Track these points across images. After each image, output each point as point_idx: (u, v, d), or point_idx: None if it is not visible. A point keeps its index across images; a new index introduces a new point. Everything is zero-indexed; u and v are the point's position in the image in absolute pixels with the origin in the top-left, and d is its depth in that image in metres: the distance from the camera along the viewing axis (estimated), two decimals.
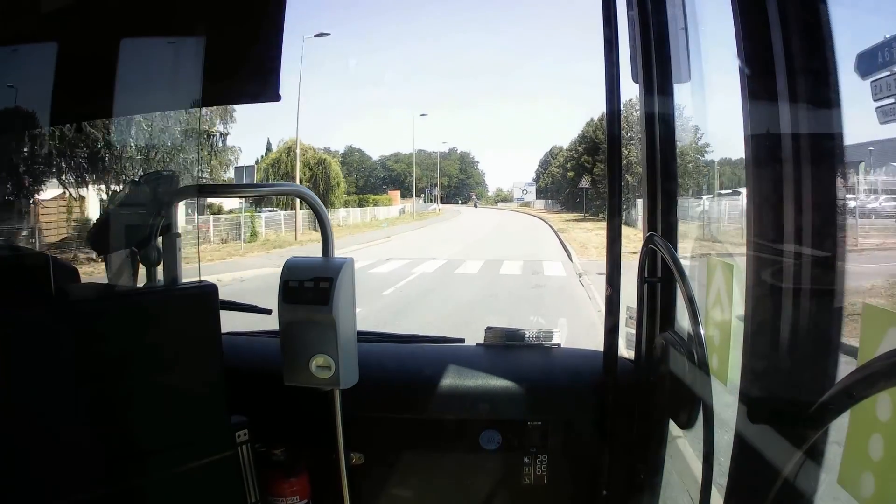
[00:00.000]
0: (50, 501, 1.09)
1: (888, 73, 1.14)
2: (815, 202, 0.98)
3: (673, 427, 1.44)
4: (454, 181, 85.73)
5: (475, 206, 73.57)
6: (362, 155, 78.99)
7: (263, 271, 11.60)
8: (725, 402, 1.32)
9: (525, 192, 67.35)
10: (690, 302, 1.17)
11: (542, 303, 9.08)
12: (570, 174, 38.74)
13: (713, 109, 1.79)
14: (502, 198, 78.27)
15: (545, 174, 60.60)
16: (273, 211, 25.29)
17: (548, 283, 11.09)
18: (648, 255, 1.50)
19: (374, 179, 76.14)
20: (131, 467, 1.17)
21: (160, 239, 1.25)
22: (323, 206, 1.42)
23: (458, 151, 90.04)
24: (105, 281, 1.31)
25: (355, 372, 1.34)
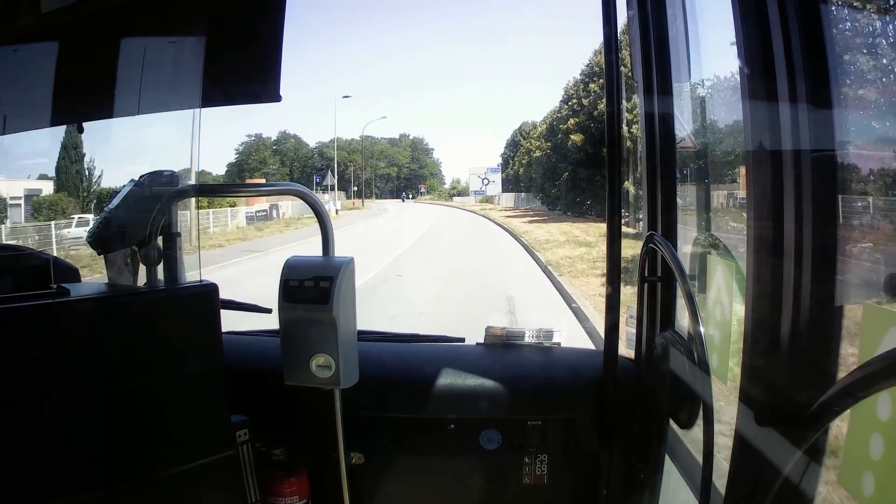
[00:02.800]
0: (49, 501, 1.10)
1: None
2: (815, 201, 0.98)
3: (673, 426, 1.45)
4: (404, 171, 73.65)
5: (403, 202, 60.34)
6: (298, 142, 68.77)
7: None
8: (725, 401, 1.32)
9: (486, 181, 48.96)
10: (690, 301, 1.17)
11: None
12: (575, 138, 22.56)
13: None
14: (458, 191, 63.66)
15: (516, 157, 43.21)
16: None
17: None
18: (648, 255, 1.50)
19: (309, 169, 65.49)
20: (132, 467, 1.17)
21: (160, 238, 1.25)
22: (322, 204, 1.42)
23: (410, 137, 76.94)
24: (105, 280, 1.31)
25: (355, 371, 1.34)
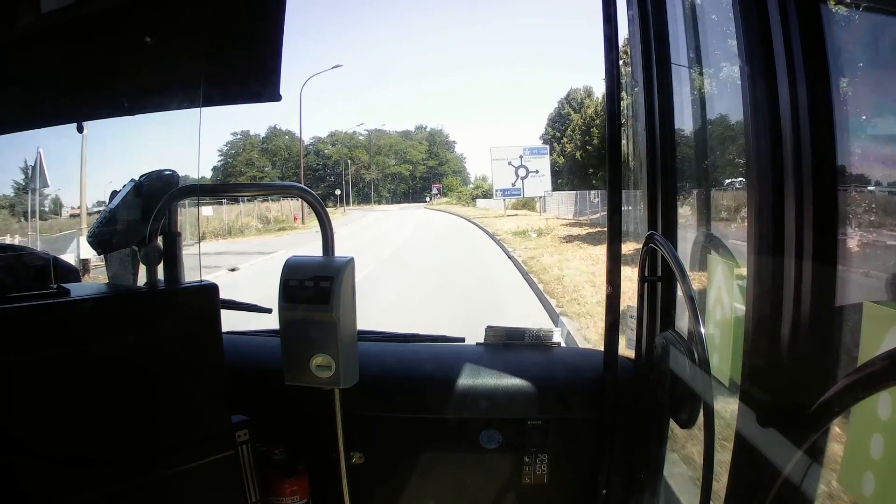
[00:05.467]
0: (49, 500, 1.10)
1: None
2: (815, 201, 0.99)
3: (673, 426, 1.45)
4: (420, 169, 60.50)
5: (428, 200, 51.38)
6: (292, 138, 56.83)
7: None
8: (726, 401, 1.32)
9: (523, 171, 26.64)
10: (691, 301, 1.17)
11: None
12: None
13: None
14: (483, 191, 46.03)
15: (568, 134, 27.04)
16: None
17: None
18: (649, 254, 1.50)
19: (300, 170, 53.68)
20: (132, 466, 1.17)
21: (160, 238, 1.26)
22: (323, 204, 1.42)
23: (427, 129, 63.59)
24: (106, 280, 1.31)
25: (355, 371, 1.34)
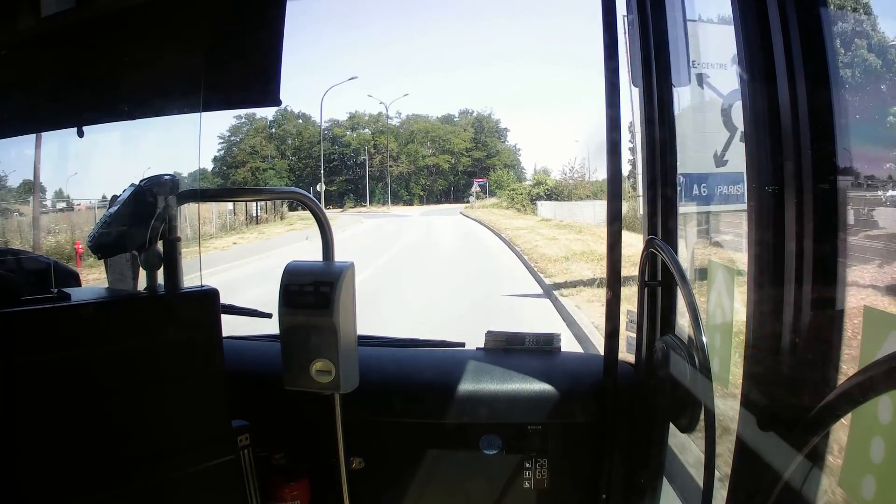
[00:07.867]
0: None
1: None
2: (815, 204, 0.99)
3: (674, 431, 1.44)
4: (464, 161, 47.98)
5: (468, 203, 39.69)
6: (306, 122, 47.13)
7: None
8: (726, 405, 1.32)
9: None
10: (691, 306, 1.17)
11: None
12: None
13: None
14: (547, 189, 34.93)
15: None
16: None
17: None
18: (649, 259, 1.50)
19: (312, 161, 45.15)
20: (132, 471, 1.17)
21: (161, 243, 1.25)
22: (323, 209, 1.42)
23: (473, 114, 50.21)
24: (106, 285, 1.31)
25: (356, 376, 1.34)
